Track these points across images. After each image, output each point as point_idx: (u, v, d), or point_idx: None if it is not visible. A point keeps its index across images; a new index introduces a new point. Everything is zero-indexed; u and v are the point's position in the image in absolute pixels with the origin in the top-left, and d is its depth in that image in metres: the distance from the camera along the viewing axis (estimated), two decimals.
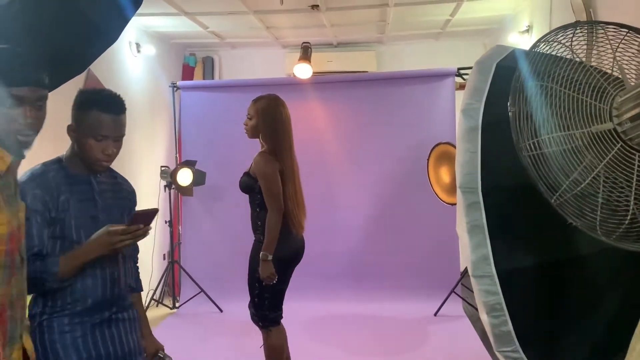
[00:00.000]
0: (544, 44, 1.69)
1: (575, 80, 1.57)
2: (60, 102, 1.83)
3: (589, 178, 1.48)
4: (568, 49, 1.62)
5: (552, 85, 1.57)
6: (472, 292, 1.93)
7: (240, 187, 2.84)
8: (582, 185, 1.49)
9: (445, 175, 4.42)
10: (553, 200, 1.54)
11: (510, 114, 1.60)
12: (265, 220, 2.71)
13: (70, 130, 1.71)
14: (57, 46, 2.21)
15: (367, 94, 5.03)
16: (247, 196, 2.89)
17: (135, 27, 4.84)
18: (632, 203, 1.44)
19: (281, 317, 2.87)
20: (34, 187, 1.61)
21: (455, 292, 4.60)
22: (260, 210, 2.75)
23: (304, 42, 5.16)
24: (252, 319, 2.86)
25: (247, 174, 2.79)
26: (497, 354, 1.91)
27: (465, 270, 4.54)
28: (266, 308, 2.78)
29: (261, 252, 2.69)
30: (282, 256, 2.74)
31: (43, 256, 1.60)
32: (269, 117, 2.78)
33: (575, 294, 1.87)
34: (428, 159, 4.48)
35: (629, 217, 1.46)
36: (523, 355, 1.87)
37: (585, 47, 1.72)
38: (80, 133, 1.69)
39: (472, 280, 1.88)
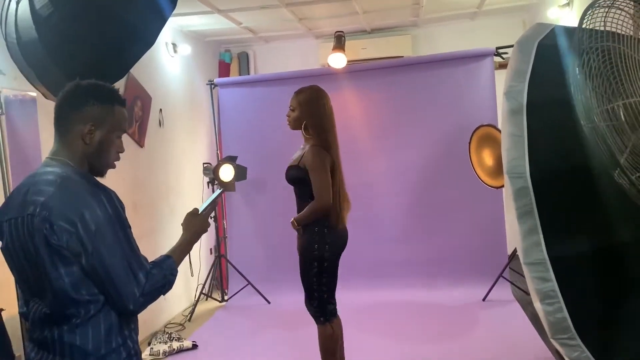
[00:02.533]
0: (601, 9, 1.58)
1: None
2: None
3: None
4: (628, 15, 1.51)
5: (618, 46, 1.46)
6: (521, 275, 1.89)
7: (288, 180, 2.84)
8: None
9: (488, 158, 4.32)
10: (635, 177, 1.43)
11: (578, 77, 1.49)
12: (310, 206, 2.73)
13: (92, 130, 1.48)
14: (98, 53, 2.26)
15: (404, 79, 4.95)
16: (288, 188, 2.90)
17: (171, 28, 4.92)
18: None
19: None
20: (107, 197, 1.42)
21: (503, 277, 4.51)
22: (310, 200, 2.75)
23: (337, 31, 5.12)
24: (315, 315, 2.83)
25: (295, 166, 2.77)
26: (553, 341, 1.87)
27: (513, 253, 4.44)
28: (326, 301, 2.78)
29: (295, 218, 2.78)
30: (334, 248, 2.77)
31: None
32: (312, 109, 2.80)
33: (632, 279, 1.80)
34: (470, 142, 4.39)
35: None
36: (580, 342, 1.83)
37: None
38: (105, 132, 1.50)
39: (524, 267, 1.84)
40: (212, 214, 4.99)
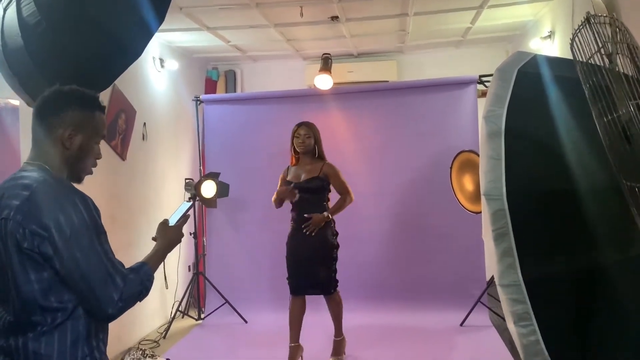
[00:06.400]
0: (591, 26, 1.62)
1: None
2: None
3: None
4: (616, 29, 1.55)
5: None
6: (499, 301, 1.90)
7: (313, 189, 3.61)
8: None
9: (468, 183, 4.38)
10: None
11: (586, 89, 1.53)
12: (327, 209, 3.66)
13: (73, 135, 1.47)
14: (84, 63, 2.26)
15: (388, 103, 5.02)
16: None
17: (159, 43, 4.94)
18: None
19: None
20: (83, 203, 1.41)
21: (481, 302, 4.53)
22: (326, 203, 3.68)
23: (324, 54, 5.20)
24: (329, 288, 3.63)
25: (317, 177, 3.62)
26: None
27: (492, 279, 4.46)
28: (335, 274, 3.67)
29: (327, 213, 3.62)
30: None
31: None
32: (320, 136, 3.75)
33: (607, 304, 1.83)
34: (451, 168, 4.45)
35: None
36: None
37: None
38: (85, 137, 1.50)
39: (499, 289, 1.85)
40: (192, 231, 4.95)
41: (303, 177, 3.66)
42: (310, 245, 3.59)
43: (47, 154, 1.47)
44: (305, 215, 3.58)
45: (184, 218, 1.77)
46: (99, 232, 1.41)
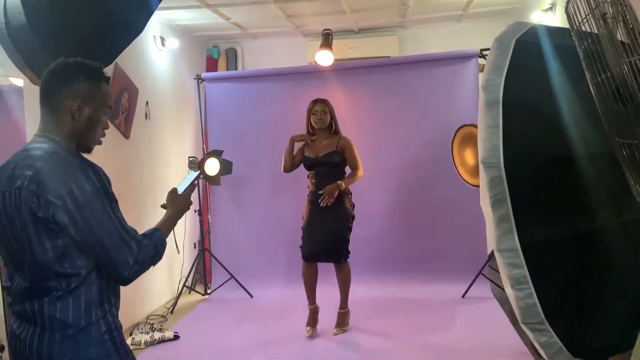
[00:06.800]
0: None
1: None
2: None
3: None
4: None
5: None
6: (499, 273, 1.95)
7: (333, 163, 3.80)
8: None
9: (469, 157, 4.41)
10: None
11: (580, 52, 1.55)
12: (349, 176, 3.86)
13: (82, 106, 1.50)
14: (85, 39, 2.29)
15: (390, 79, 5.02)
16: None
17: (159, 21, 4.94)
18: None
19: None
20: (94, 172, 1.45)
21: (482, 274, 4.60)
22: (342, 176, 3.85)
23: (324, 29, 5.18)
24: (341, 258, 3.80)
25: (335, 152, 3.81)
26: (523, 326, 1.94)
27: (492, 252, 4.51)
28: (348, 244, 3.82)
29: (341, 182, 3.76)
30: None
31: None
32: (334, 113, 3.94)
33: (601, 267, 1.88)
34: (452, 142, 4.47)
35: None
36: (549, 327, 1.90)
37: None
38: (93, 108, 1.53)
39: (497, 254, 1.90)
40: (197, 208, 5.01)
41: (321, 152, 3.82)
42: (329, 215, 3.74)
43: (57, 126, 1.51)
44: (320, 192, 3.72)
45: (191, 186, 1.87)
46: (111, 200, 1.46)
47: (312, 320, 3.87)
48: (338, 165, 3.83)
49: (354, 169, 3.86)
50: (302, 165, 3.96)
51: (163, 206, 1.75)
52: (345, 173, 3.88)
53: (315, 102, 3.89)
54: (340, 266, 3.83)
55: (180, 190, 1.82)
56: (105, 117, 1.58)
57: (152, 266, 1.54)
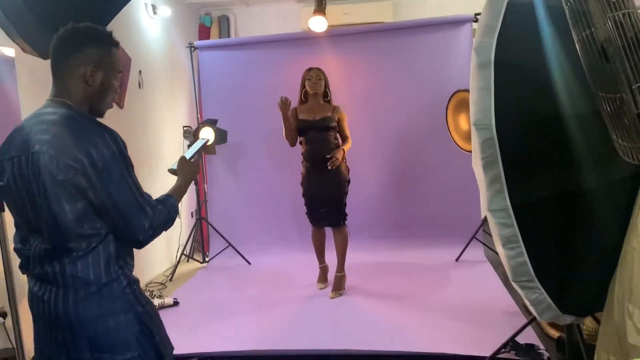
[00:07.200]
0: None
1: None
2: None
3: None
4: None
5: None
6: (492, 235, 1.99)
7: (329, 126, 3.87)
8: None
9: (464, 122, 4.42)
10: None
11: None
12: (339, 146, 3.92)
13: (94, 72, 1.53)
14: (78, 5, 2.27)
15: (384, 45, 4.99)
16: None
17: None
18: None
19: None
20: (111, 136, 1.47)
21: (476, 238, 4.67)
22: (337, 141, 3.93)
23: None
24: (340, 221, 3.93)
25: (331, 116, 3.89)
26: (513, 284, 1.99)
27: (486, 217, 4.57)
28: (345, 207, 3.95)
29: (341, 149, 3.87)
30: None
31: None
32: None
33: (587, 225, 1.92)
34: (447, 107, 4.48)
35: None
36: (539, 285, 1.95)
37: None
38: (105, 73, 1.55)
39: (488, 214, 1.94)
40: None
41: (318, 115, 3.90)
42: (326, 180, 3.86)
43: (70, 91, 1.52)
44: (327, 155, 3.80)
45: (199, 154, 1.92)
46: (127, 164, 1.48)
47: (323, 276, 4.15)
48: (333, 129, 3.91)
49: (345, 138, 3.96)
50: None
51: (171, 171, 1.81)
52: (337, 139, 3.95)
53: (311, 69, 3.99)
54: (339, 229, 3.95)
55: (188, 157, 1.86)
56: (116, 82, 1.60)
57: (164, 231, 1.58)
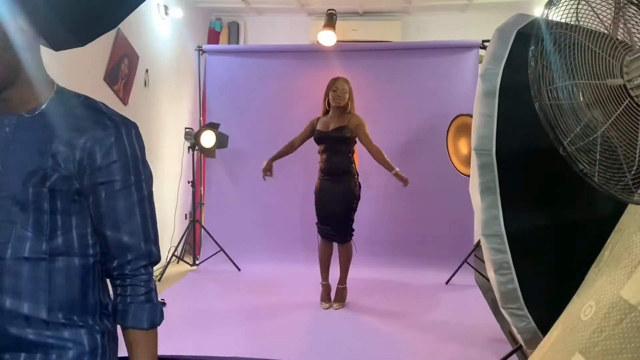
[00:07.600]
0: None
1: (590, 34, 1.59)
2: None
3: (602, 129, 1.51)
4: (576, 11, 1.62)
5: (571, 34, 1.58)
6: (484, 262, 2.00)
7: (342, 138, 3.78)
8: (597, 134, 1.51)
9: (463, 147, 4.46)
10: (566, 144, 1.55)
11: (530, 61, 1.62)
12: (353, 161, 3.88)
13: None
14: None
15: (391, 64, 5.04)
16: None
17: None
18: (637, 156, 1.47)
19: None
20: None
21: (467, 263, 4.68)
22: (352, 155, 3.86)
23: (329, 10, 5.17)
24: (347, 237, 3.90)
25: (345, 127, 3.78)
26: (503, 310, 2.00)
27: (479, 242, 4.59)
28: (352, 224, 3.90)
29: (395, 169, 3.89)
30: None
31: None
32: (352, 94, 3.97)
33: (582, 256, 1.93)
34: (448, 131, 4.51)
35: (633, 171, 1.49)
36: (527, 313, 1.96)
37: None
38: None
39: (482, 239, 1.96)
40: (191, 179, 5.04)
41: (332, 127, 3.83)
42: (336, 195, 3.83)
43: None
44: (404, 186, 3.93)
45: None
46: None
47: (326, 296, 4.02)
48: (347, 140, 3.80)
49: (367, 144, 3.85)
50: (303, 144, 4.05)
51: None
52: (353, 150, 3.88)
53: (337, 79, 3.88)
54: (345, 245, 3.95)
55: None
56: None
57: None
